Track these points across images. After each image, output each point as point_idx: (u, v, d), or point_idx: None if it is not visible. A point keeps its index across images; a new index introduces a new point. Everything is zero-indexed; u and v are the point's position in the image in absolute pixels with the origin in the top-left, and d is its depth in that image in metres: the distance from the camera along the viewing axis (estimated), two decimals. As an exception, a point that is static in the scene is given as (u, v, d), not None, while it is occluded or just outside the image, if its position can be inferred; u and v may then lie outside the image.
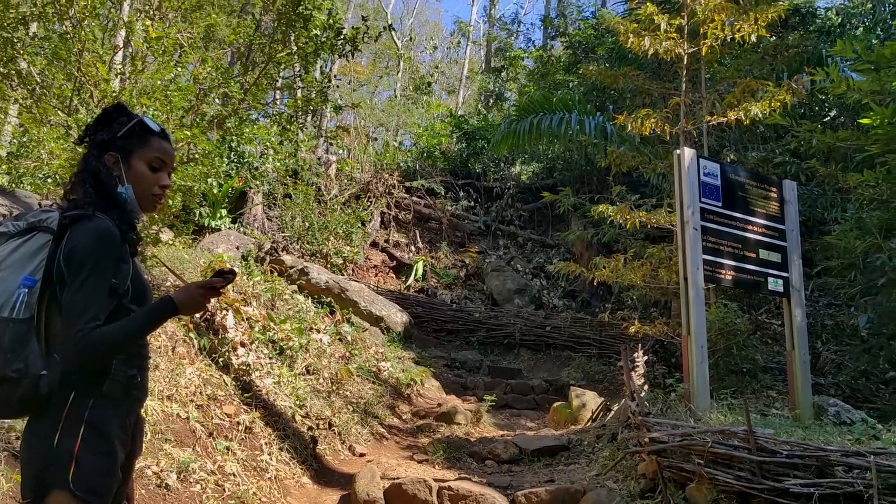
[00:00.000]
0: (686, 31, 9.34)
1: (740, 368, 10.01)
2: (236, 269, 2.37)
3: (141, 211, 2.43)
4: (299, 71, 8.64)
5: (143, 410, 2.56)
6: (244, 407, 6.69)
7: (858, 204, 8.91)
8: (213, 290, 2.31)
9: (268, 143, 8.62)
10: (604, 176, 13.44)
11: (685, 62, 9.39)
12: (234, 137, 10.97)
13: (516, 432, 8.70)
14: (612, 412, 8.38)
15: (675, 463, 5.30)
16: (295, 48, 8.14)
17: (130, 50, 8.69)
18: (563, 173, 17.39)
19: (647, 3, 9.25)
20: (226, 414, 6.37)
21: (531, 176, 19.08)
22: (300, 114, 9.37)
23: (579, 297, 14.84)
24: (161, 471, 5.09)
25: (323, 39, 7.64)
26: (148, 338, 2.49)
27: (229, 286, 8.17)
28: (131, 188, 2.36)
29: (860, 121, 8.73)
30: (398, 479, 6.06)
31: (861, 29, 14.52)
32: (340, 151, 18.27)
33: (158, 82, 7.17)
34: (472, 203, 17.60)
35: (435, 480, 6.06)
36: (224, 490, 5.43)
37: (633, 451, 5.85)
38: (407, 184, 17.29)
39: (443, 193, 17.29)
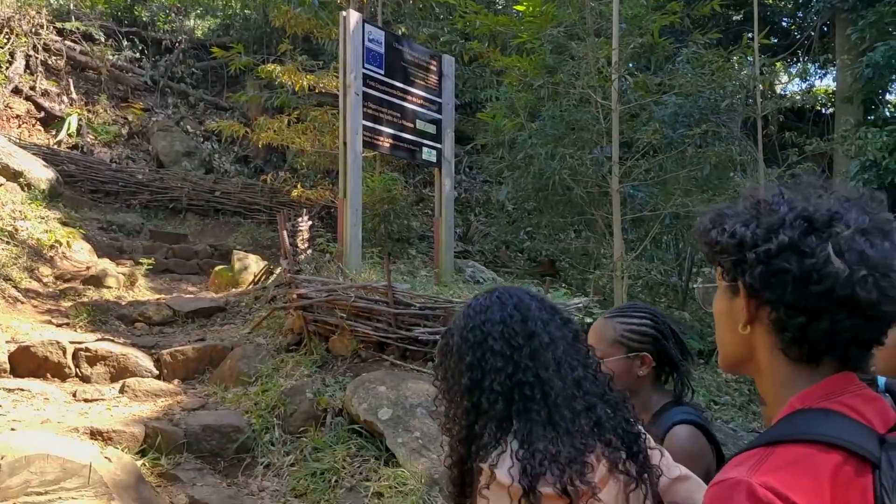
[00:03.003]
0: None
1: (400, 236, 10.65)
2: None
3: None
4: None
5: None
6: None
7: (510, 86, 9.65)
8: None
9: None
10: (284, 39, 12.98)
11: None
12: None
13: (174, 296, 8.43)
14: (275, 275, 8.46)
15: (321, 317, 5.54)
16: None
17: None
18: (242, 32, 16.45)
19: None
20: None
21: (207, 32, 17.78)
22: None
23: (252, 164, 14.49)
24: None
25: None
26: None
27: None
28: None
29: (515, 7, 9.37)
30: (27, 342, 5.58)
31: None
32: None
33: None
34: (138, 55, 15.99)
35: (71, 342, 5.68)
36: None
37: (281, 307, 5.99)
38: (59, 25, 15.13)
39: (103, 40, 15.43)
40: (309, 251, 7.88)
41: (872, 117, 11.67)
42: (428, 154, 7.54)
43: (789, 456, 0.90)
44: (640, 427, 1.43)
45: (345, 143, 6.62)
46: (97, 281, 8.20)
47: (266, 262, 9.35)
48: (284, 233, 6.05)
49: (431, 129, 7.56)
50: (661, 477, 1.44)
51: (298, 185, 8.67)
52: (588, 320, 5.34)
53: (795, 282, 0.94)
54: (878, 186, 10.50)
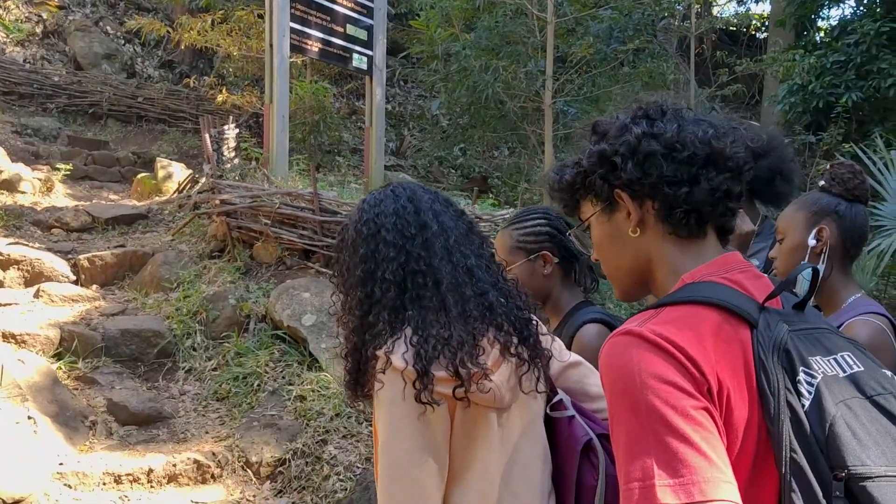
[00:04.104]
0: None
1: (331, 147, 10.46)
2: None
3: None
4: None
5: None
6: None
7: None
8: None
9: None
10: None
11: None
12: None
13: (93, 202, 8.14)
14: (200, 184, 8.24)
15: (245, 224, 5.43)
16: None
17: None
18: (165, -73, 15.52)
19: None
20: None
21: (128, -75, 16.70)
22: None
23: (178, 69, 13.89)
24: None
25: None
26: None
27: None
28: None
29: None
30: (-69, 245, 5.33)
31: None
32: None
33: None
34: (52, -53, 14.96)
35: (-20, 247, 5.45)
36: None
37: (204, 213, 5.85)
38: (-37, -90, 13.99)
39: (14, -70, 14.36)
40: (235, 160, 7.67)
41: (803, 42, 11.79)
42: (359, 61, 7.33)
43: (675, 313, 0.98)
44: (531, 314, 1.45)
45: (271, 46, 6.38)
46: (10, 186, 7.85)
47: (191, 171, 9.07)
48: (207, 136, 5.85)
49: (363, 35, 7.34)
50: (554, 361, 1.47)
51: (224, 90, 8.34)
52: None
53: (665, 157, 1.05)
54: (803, 110, 10.73)
